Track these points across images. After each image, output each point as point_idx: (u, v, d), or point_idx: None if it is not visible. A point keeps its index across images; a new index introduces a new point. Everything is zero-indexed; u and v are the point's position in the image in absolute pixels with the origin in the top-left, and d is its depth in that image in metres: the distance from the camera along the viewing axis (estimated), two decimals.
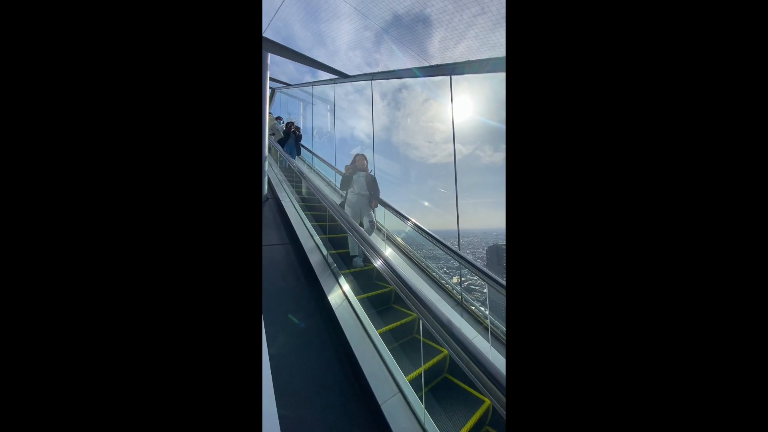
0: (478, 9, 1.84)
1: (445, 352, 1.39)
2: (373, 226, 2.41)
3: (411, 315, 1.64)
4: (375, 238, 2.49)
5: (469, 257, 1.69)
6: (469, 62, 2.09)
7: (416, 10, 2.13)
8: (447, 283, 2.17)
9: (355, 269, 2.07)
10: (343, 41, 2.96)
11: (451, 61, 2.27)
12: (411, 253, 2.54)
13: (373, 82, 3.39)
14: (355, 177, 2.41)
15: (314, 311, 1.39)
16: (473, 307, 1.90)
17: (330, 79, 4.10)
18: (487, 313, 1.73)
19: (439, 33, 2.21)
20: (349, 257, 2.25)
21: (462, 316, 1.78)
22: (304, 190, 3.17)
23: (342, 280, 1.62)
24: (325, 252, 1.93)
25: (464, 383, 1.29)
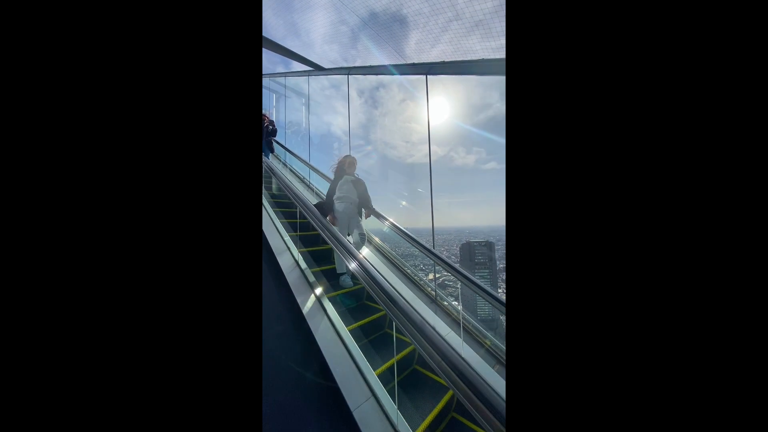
0: (453, 14, 1.90)
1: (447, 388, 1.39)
2: (364, 239, 2.03)
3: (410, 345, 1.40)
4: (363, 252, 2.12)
5: (444, 254, 1.76)
6: (444, 63, 2.15)
7: (393, 9, 2.13)
8: (421, 280, 2.23)
9: (343, 290, 1.75)
10: (319, 33, 2.86)
11: (427, 61, 2.32)
12: (400, 265, 2.27)
13: (349, 76, 3.32)
14: (341, 182, 2.06)
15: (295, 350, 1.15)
16: (445, 303, 1.98)
17: (305, 71, 3.93)
18: (459, 307, 1.82)
19: (416, 35, 2.24)
20: (335, 274, 1.90)
21: (436, 313, 1.84)
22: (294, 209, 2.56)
23: (327, 304, 1.39)
24: (303, 265, 1.67)
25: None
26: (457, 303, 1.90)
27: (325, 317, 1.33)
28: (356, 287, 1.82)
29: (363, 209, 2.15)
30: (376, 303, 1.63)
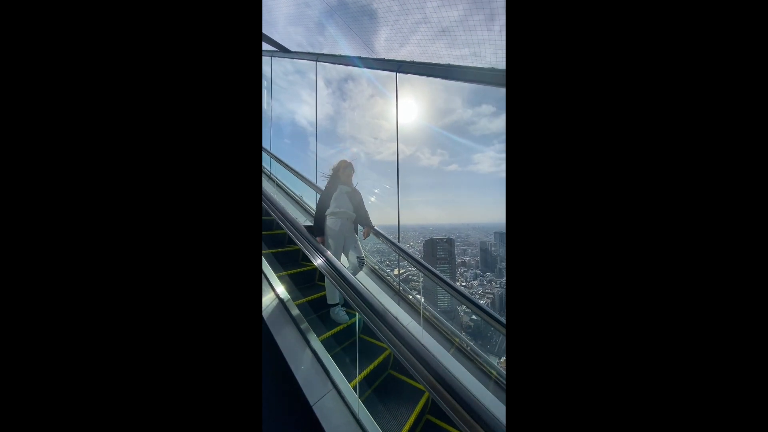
0: (422, 17, 1.96)
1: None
2: (363, 264, 1.65)
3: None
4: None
5: (409, 250, 1.82)
6: (413, 62, 2.20)
7: (363, 1, 2.09)
8: (388, 275, 2.28)
9: (338, 328, 1.43)
10: (282, 12, 2.63)
11: (397, 59, 2.35)
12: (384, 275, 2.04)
13: (317, 64, 3.15)
14: (336, 194, 1.65)
15: None
16: (410, 296, 2.07)
17: (267, 51, 3.58)
18: (422, 299, 1.93)
19: (385, 32, 2.25)
20: (326, 305, 1.56)
21: (399, 304, 1.91)
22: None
23: (319, 348, 1.10)
24: (285, 295, 1.31)
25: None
26: (420, 296, 2.00)
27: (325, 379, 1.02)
28: (352, 321, 1.51)
29: (360, 226, 1.75)
30: (372, 337, 1.52)
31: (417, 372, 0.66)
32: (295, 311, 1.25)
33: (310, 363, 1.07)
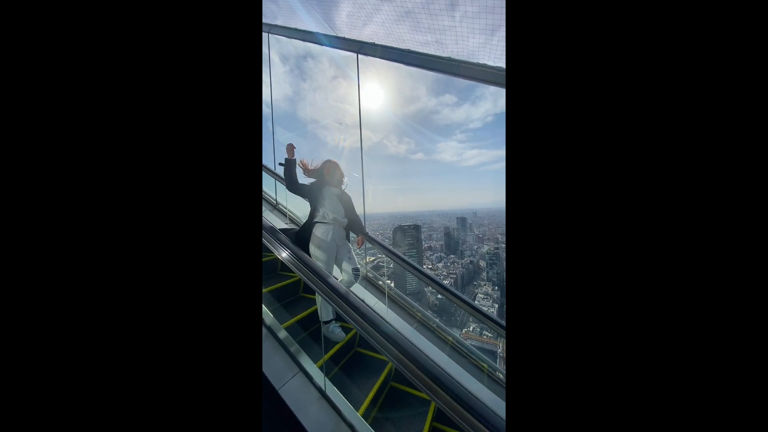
0: None
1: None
2: (358, 277, 1.44)
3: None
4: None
5: (379, 237, 1.88)
6: (375, 45, 2.11)
7: None
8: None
9: (334, 349, 1.28)
10: None
11: (359, 39, 2.22)
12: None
13: (269, 35, 2.80)
14: (324, 197, 1.43)
15: None
16: (380, 282, 2.15)
17: None
18: (390, 283, 2.06)
19: (347, 7, 2.09)
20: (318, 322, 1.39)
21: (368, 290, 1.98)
22: None
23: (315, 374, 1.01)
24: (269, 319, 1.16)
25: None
26: (390, 281, 2.11)
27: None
28: (349, 336, 1.39)
29: (352, 233, 1.53)
30: (367, 349, 1.45)
31: (379, 344, 0.73)
32: (282, 333, 1.14)
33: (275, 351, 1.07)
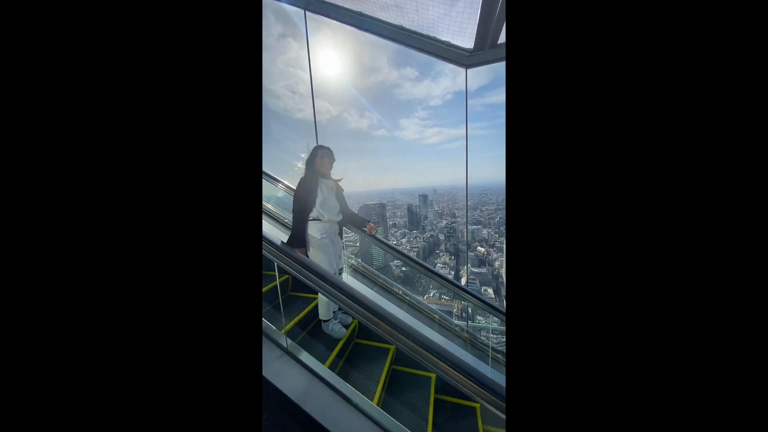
0: None
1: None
2: (341, 275, 1.43)
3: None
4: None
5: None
6: (325, 2, 1.85)
7: None
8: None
9: (340, 343, 1.27)
10: None
11: None
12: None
13: None
14: (319, 191, 1.26)
15: None
16: (351, 260, 2.23)
17: None
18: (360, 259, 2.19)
19: None
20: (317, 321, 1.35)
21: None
22: None
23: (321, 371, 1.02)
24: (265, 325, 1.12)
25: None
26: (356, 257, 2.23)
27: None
28: (349, 331, 1.39)
29: (347, 226, 1.43)
30: (368, 339, 1.48)
31: (345, 304, 0.85)
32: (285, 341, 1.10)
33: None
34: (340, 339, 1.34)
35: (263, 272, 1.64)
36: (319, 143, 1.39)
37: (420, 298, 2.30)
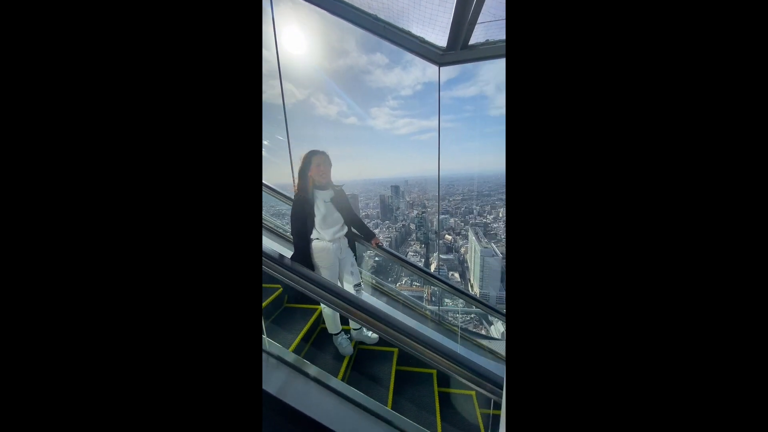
0: None
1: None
2: (360, 293, 1.32)
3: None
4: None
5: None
6: None
7: None
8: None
9: (344, 363, 1.21)
10: None
11: None
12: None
13: None
14: (316, 206, 1.11)
15: None
16: None
17: None
18: None
19: None
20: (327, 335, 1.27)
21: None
22: None
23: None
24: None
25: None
26: None
27: None
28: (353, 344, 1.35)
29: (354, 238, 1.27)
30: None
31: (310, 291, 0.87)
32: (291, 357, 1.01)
33: None
34: (346, 355, 1.27)
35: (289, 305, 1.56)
36: (288, 129, 1.26)
37: (393, 286, 2.38)
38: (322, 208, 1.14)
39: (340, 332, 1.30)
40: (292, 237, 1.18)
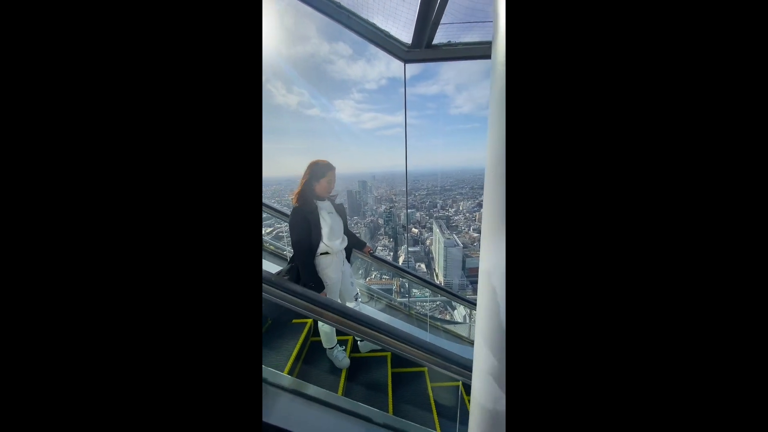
0: None
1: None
2: (359, 301, 1.31)
3: None
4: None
5: (275, 205, 1.72)
6: None
7: None
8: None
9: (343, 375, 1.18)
10: None
11: None
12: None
13: None
14: (324, 211, 1.05)
15: None
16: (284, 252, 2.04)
17: None
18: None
19: None
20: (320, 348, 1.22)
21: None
22: None
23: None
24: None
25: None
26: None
27: None
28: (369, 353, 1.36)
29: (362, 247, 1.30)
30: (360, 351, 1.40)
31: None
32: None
33: None
34: (344, 368, 1.25)
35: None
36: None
37: (362, 281, 2.38)
38: (328, 219, 1.10)
39: (335, 345, 1.29)
40: (294, 251, 1.07)
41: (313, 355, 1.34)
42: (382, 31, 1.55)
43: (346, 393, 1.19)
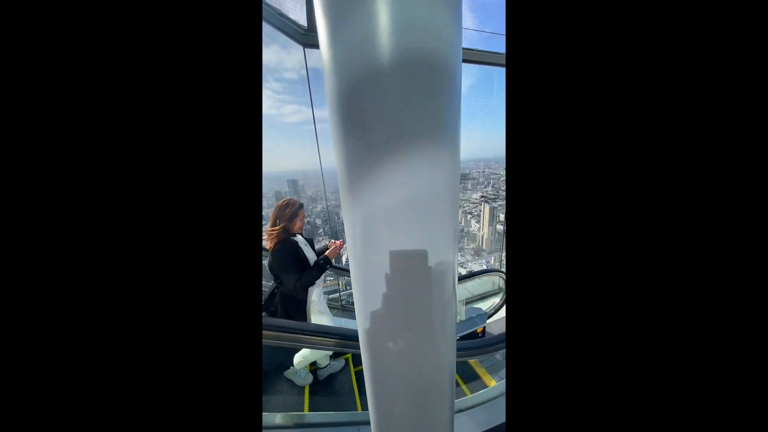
0: None
1: None
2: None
3: None
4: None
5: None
6: None
7: None
8: None
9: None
10: None
11: None
12: None
13: None
14: (301, 244, 1.13)
15: None
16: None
17: None
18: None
19: None
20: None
21: None
22: None
23: None
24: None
25: None
26: None
27: None
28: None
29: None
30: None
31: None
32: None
33: None
34: (306, 384, 1.25)
35: None
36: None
37: (342, 281, 2.37)
38: (309, 253, 1.18)
39: (325, 366, 1.32)
40: (289, 288, 1.09)
41: (264, 382, 1.25)
42: (273, 8, 1.28)
43: (313, 408, 1.15)
